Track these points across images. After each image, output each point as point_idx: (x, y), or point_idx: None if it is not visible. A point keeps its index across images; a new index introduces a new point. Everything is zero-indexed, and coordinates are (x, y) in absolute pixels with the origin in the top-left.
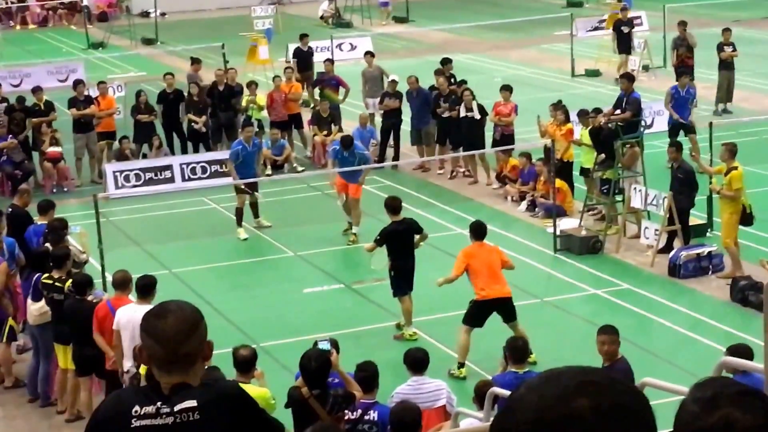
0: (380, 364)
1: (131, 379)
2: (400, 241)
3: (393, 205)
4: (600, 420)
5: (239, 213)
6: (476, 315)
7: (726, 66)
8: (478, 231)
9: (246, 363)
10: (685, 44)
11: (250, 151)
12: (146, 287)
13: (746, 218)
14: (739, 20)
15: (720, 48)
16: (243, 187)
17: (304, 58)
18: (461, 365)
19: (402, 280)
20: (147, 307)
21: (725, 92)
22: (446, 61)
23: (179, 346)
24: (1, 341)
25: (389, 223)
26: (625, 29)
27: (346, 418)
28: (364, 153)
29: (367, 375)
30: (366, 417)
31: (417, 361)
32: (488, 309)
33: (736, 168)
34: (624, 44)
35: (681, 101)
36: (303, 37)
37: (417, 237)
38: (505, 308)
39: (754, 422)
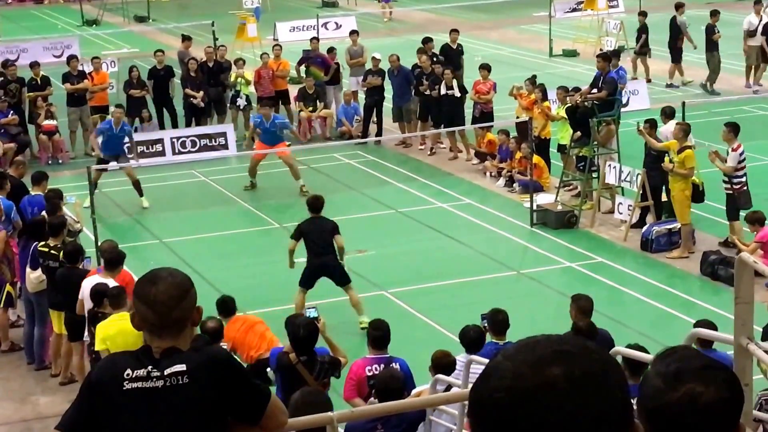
0: (355, 332)
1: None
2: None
3: (316, 204)
4: (572, 388)
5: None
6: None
7: (716, 47)
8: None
9: (214, 335)
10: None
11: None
12: (112, 261)
13: (698, 195)
14: (711, 2)
15: (711, 30)
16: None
17: (452, 58)
18: None
19: (308, 276)
20: (110, 280)
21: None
22: (427, 41)
23: (170, 312)
24: None
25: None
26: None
27: (370, 373)
28: (284, 122)
29: (381, 334)
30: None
31: (463, 338)
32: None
33: (689, 147)
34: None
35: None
36: (452, 32)
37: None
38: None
39: (717, 395)
